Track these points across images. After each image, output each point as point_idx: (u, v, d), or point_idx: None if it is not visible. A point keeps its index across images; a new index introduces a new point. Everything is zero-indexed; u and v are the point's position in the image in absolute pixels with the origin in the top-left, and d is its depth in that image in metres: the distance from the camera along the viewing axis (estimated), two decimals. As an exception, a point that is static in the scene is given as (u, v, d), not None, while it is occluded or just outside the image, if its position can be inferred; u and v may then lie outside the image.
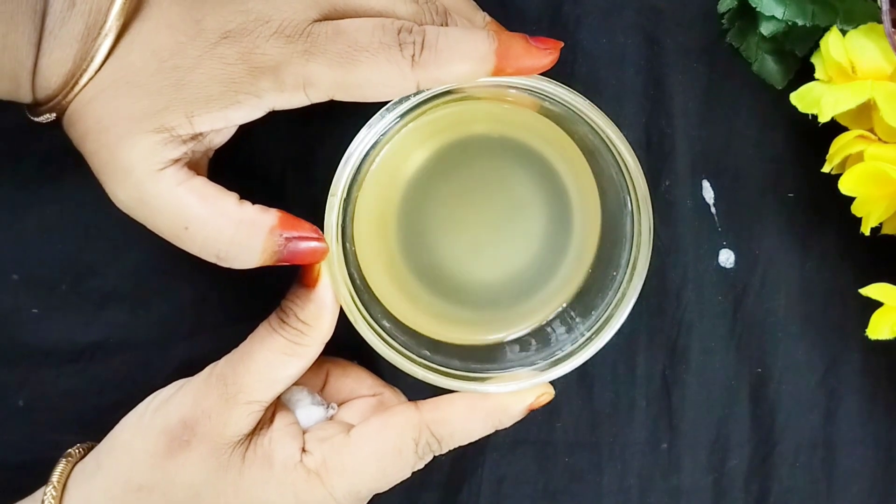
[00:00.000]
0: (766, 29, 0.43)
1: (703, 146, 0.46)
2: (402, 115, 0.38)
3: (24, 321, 0.44)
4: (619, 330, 0.40)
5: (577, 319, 0.41)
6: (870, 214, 0.41)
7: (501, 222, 0.42)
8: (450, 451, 0.41)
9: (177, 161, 0.36)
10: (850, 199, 0.41)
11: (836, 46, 0.40)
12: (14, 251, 0.44)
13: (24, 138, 0.43)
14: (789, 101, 0.41)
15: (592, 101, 0.39)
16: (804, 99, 0.41)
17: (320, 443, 0.39)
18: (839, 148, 0.41)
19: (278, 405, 0.41)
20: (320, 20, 0.37)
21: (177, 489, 0.38)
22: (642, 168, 0.39)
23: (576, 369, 0.40)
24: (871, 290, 0.41)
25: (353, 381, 0.43)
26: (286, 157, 0.45)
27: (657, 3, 0.45)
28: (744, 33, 0.45)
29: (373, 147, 0.39)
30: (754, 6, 0.42)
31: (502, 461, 0.46)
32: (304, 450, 0.39)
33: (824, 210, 0.45)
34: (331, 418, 0.42)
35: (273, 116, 0.38)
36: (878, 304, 0.41)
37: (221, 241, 0.37)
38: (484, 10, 0.41)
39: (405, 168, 0.41)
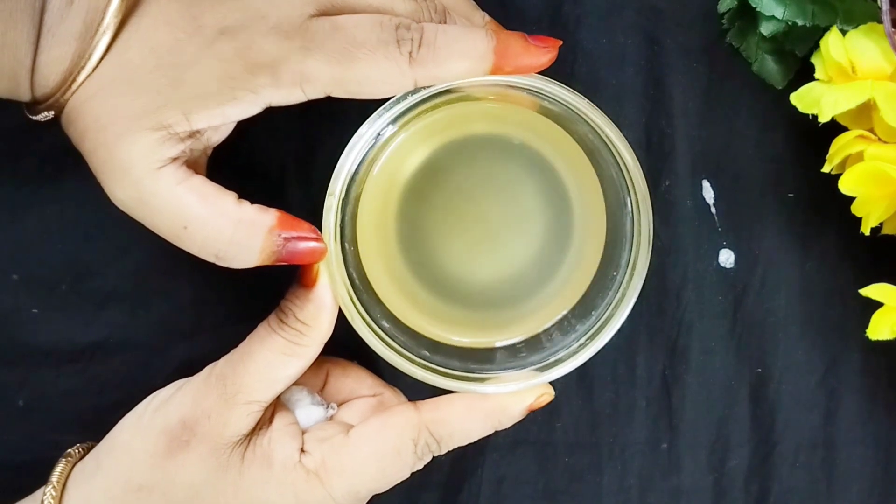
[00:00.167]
0: (766, 29, 0.43)
1: (703, 146, 0.46)
2: (401, 115, 0.38)
3: (24, 321, 0.44)
4: (619, 330, 0.40)
5: (577, 320, 0.41)
6: (870, 214, 0.41)
7: (501, 222, 0.42)
8: (449, 451, 0.41)
9: (175, 159, 0.36)
10: (850, 199, 0.41)
11: (836, 46, 0.40)
12: (14, 251, 0.44)
13: (24, 138, 0.43)
14: (789, 101, 0.41)
15: (592, 101, 0.39)
16: (804, 99, 0.41)
17: (319, 443, 0.39)
18: (839, 148, 0.41)
19: (278, 405, 0.41)
20: (318, 16, 0.37)
21: (176, 489, 0.38)
22: (642, 168, 0.39)
23: (576, 370, 0.40)
24: (871, 291, 0.41)
25: (353, 381, 0.43)
26: (285, 157, 0.45)
27: (657, 3, 0.45)
28: (744, 33, 0.45)
29: (371, 147, 0.39)
30: (754, 6, 0.42)
31: (502, 461, 0.46)
32: (303, 450, 0.39)
33: (824, 210, 0.45)
34: (331, 418, 0.42)
35: (272, 116, 0.38)
36: (878, 305, 0.41)
37: (220, 240, 0.37)
38: (483, 10, 0.41)
39: (404, 168, 0.41)
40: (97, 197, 0.44)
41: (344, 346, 0.40)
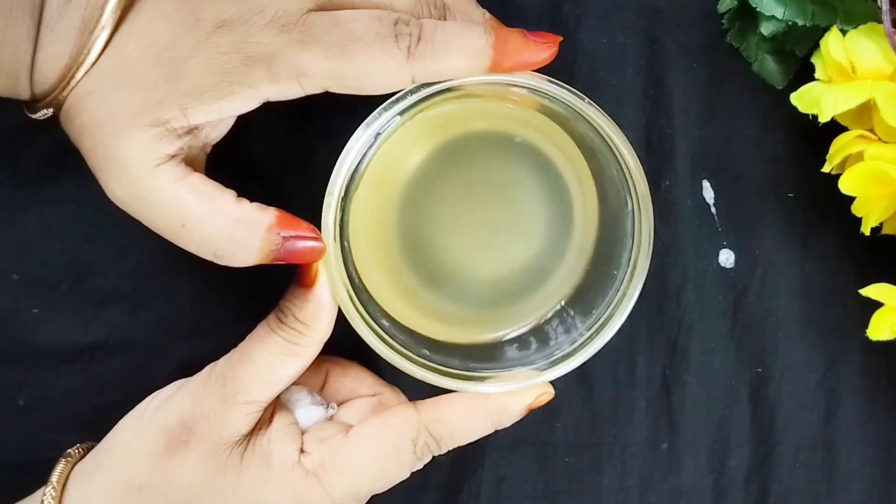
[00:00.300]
0: (766, 29, 0.43)
1: (703, 146, 0.46)
2: (401, 113, 0.38)
3: (25, 321, 0.44)
4: (619, 330, 0.40)
5: (577, 319, 0.41)
6: (870, 214, 0.41)
7: (501, 220, 0.42)
8: (449, 451, 0.41)
9: (173, 157, 0.36)
10: (850, 199, 0.41)
11: (836, 46, 0.40)
12: (14, 251, 0.44)
13: (24, 138, 0.43)
14: (789, 101, 0.41)
15: (592, 101, 0.39)
16: (804, 99, 0.41)
17: (319, 443, 0.39)
18: (839, 148, 0.41)
19: (277, 405, 0.41)
20: (316, 10, 0.37)
21: (175, 489, 0.38)
22: (642, 168, 0.39)
23: (576, 369, 0.40)
24: (871, 291, 0.41)
25: (353, 380, 0.43)
26: (284, 156, 0.45)
27: (657, 3, 0.45)
28: (744, 33, 0.45)
29: (371, 146, 0.39)
30: (754, 6, 0.42)
31: (502, 461, 0.46)
32: (302, 450, 0.39)
33: (824, 210, 0.45)
34: (330, 418, 0.42)
35: (270, 115, 0.38)
36: (878, 305, 0.41)
37: (219, 238, 0.37)
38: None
39: (404, 166, 0.41)
40: (97, 197, 0.44)
41: (343, 345, 0.40)
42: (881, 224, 0.42)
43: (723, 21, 0.45)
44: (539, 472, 0.46)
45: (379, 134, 0.38)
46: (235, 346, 0.40)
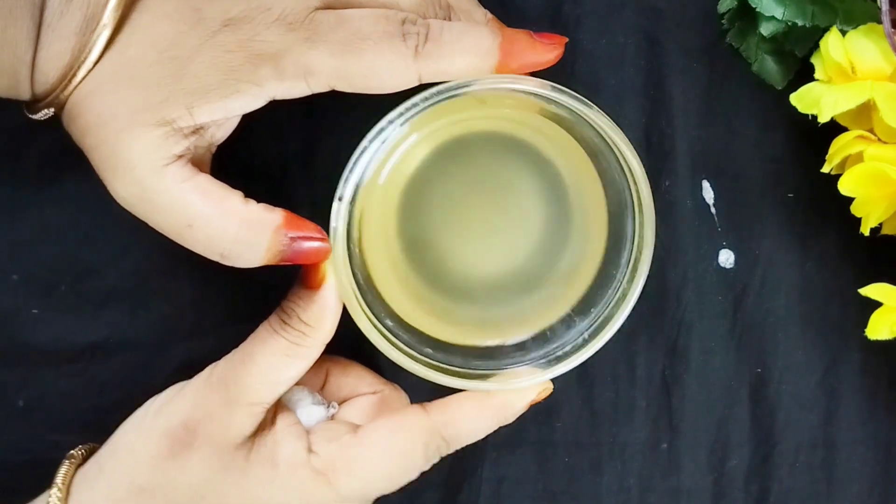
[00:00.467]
0: (765, 29, 0.43)
1: (703, 146, 0.46)
2: (409, 118, 0.38)
3: (24, 321, 0.44)
4: (619, 330, 0.40)
5: (577, 318, 0.42)
6: (869, 215, 0.41)
7: (503, 221, 0.42)
8: (450, 450, 0.41)
9: (180, 157, 0.36)
10: (850, 200, 0.41)
11: (835, 47, 0.40)
12: (13, 252, 0.44)
13: (24, 138, 0.43)
14: (789, 102, 0.41)
15: (592, 102, 0.39)
16: (804, 99, 0.41)
17: (327, 443, 0.39)
18: (839, 148, 0.41)
19: (279, 406, 0.40)
20: (323, 8, 0.37)
21: (179, 491, 0.38)
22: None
23: (576, 369, 0.40)
24: (871, 291, 0.41)
25: (354, 379, 0.43)
26: (288, 156, 0.45)
27: (657, 3, 0.45)
28: (744, 33, 0.45)
29: (378, 150, 0.39)
30: (754, 6, 0.42)
31: (502, 461, 0.46)
32: (310, 450, 0.39)
33: (824, 210, 0.45)
34: (332, 417, 0.42)
35: (275, 115, 0.38)
36: (877, 304, 0.41)
37: (225, 239, 0.37)
38: (484, 10, 0.41)
39: (407, 168, 0.41)
40: (97, 197, 0.44)
41: (343, 344, 0.40)
42: (881, 224, 0.42)
43: (723, 21, 0.45)
44: (539, 472, 0.46)
45: (386, 139, 0.38)
46: (236, 345, 0.40)
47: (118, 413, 0.41)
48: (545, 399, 0.41)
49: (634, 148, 0.39)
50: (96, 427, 0.43)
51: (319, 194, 0.39)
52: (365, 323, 0.39)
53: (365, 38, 0.36)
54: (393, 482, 0.40)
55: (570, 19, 0.45)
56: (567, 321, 0.42)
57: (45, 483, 0.39)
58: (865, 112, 0.41)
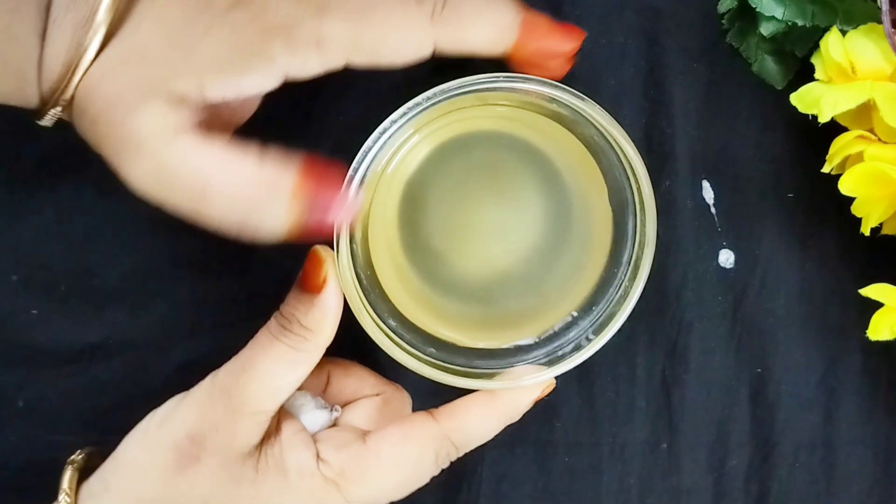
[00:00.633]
0: (765, 29, 0.42)
1: (703, 146, 0.46)
2: (411, 119, 0.38)
3: (24, 322, 0.44)
4: (620, 330, 0.40)
5: (580, 316, 0.42)
6: (870, 215, 0.41)
7: (504, 220, 0.42)
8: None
9: (193, 128, 0.35)
10: (850, 200, 0.41)
11: (835, 47, 0.40)
12: (13, 252, 0.44)
13: (23, 139, 0.43)
14: (789, 102, 0.41)
15: (594, 102, 0.39)
16: (804, 99, 0.41)
17: (337, 451, 0.39)
18: (839, 148, 0.41)
19: (283, 412, 0.40)
20: None
21: None
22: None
23: (576, 369, 0.40)
24: (871, 291, 0.41)
25: (356, 380, 0.43)
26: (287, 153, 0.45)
27: (657, 3, 0.45)
28: (744, 34, 0.45)
29: (380, 150, 0.39)
30: (754, 6, 0.42)
31: (502, 461, 0.46)
32: (319, 458, 0.39)
33: (824, 210, 0.45)
34: (335, 421, 0.41)
35: (277, 116, 0.37)
36: (878, 305, 0.41)
37: (241, 207, 0.35)
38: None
39: (409, 167, 0.41)
40: (97, 198, 0.44)
41: (343, 345, 0.40)
42: (881, 224, 0.42)
43: (723, 21, 0.45)
44: (539, 472, 0.46)
45: (390, 139, 0.38)
46: (236, 346, 0.39)
47: (118, 413, 0.41)
48: (545, 398, 0.41)
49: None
50: (96, 427, 0.43)
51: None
52: (368, 322, 0.39)
53: (378, 3, 0.35)
54: (403, 490, 0.39)
55: (569, 19, 0.45)
56: (569, 320, 0.42)
57: (45, 484, 0.39)
58: (865, 112, 0.41)
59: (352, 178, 0.37)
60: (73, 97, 0.36)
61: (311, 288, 0.38)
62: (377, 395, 0.42)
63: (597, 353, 0.40)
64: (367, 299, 0.39)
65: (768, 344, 0.46)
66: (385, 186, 0.41)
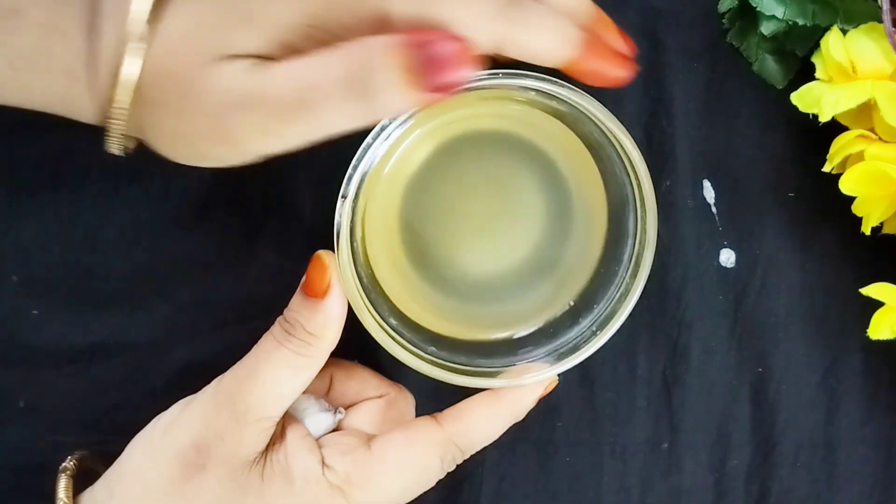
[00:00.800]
0: (766, 29, 0.43)
1: (704, 146, 0.46)
2: (411, 117, 0.38)
3: (24, 322, 0.44)
4: (620, 329, 0.40)
5: (581, 314, 0.42)
6: (870, 214, 0.41)
7: (504, 218, 0.42)
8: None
9: (269, 60, 0.34)
10: (851, 199, 0.41)
11: (836, 46, 0.40)
12: (13, 252, 0.44)
13: (24, 139, 0.43)
14: (790, 101, 0.41)
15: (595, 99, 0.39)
16: (805, 98, 0.41)
17: (342, 457, 0.39)
18: (840, 147, 0.41)
19: (287, 416, 0.40)
20: None
21: None
22: (645, 167, 0.39)
23: (577, 369, 0.40)
24: (872, 290, 0.41)
25: (358, 382, 0.42)
26: (290, 155, 0.45)
27: (657, 3, 0.45)
28: (744, 33, 0.45)
29: (381, 147, 0.39)
30: (755, 6, 0.42)
31: (503, 460, 0.46)
32: (324, 464, 0.39)
33: (825, 210, 0.45)
34: (339, 423, 0.41)
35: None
36: (878, 304, 0.41)
37: (350, 93, 0.33)
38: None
39: (409, 165, 0.41)
40: (97, 197, 0.44)
41: (344, 345, 0.40)
42: (881, 224, 0.42)
43: (723, 21, 0.45)
44: (539, 471, 0.46)
45: (390, 136, 0.38)
46: (235, 347, 0.39)
47: (118, 413, 0.41)
48: (547, 397, 0.41)
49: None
50: (96, 428, 0.43)
51: (322, 192, 0.39)
52: (370, 321, 0.39)
53: None
54: (408, 495, 0.39)
55: (570, 19, 0.45)
56: (570, 318, 0.42)
57: (46, 484, 0.39)
58: (866, 111, 0.41)
59: (351, 175, 0.38)
60: (137, 89, 0.34)
61: (315, 293, 0.38)
62: (380, 396, 0.42)
63: (598, 352, 0.40)
64: (367, 298, 0.39)
65: (769, 343, 0.46)
66: (385, 184, 0.41)
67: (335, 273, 0.38)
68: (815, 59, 0.42)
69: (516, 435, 0.44)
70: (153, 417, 0.39)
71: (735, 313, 0.46)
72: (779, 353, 0.46)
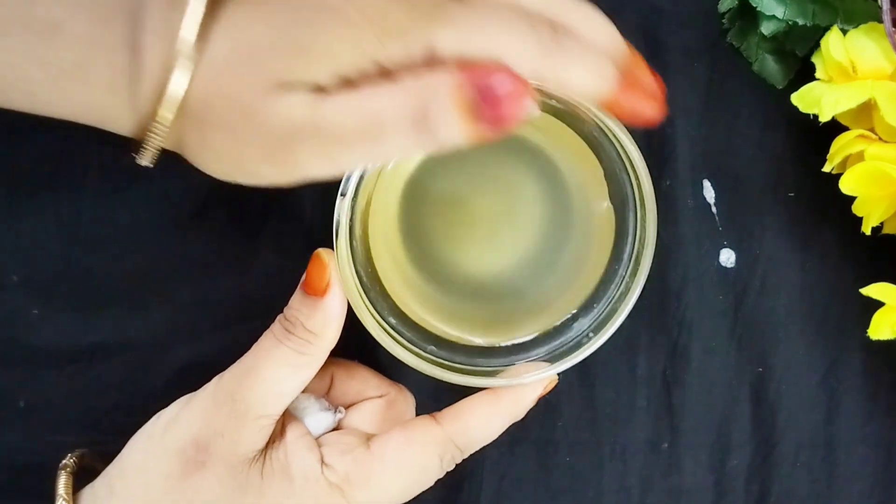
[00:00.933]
0: (766, 28, 0.43)
1: (704, 146, 0.46)
2: None
3: (25, 322, 0.44)
4: (620, 329, 0.40)
5: (581, 313, 0.42)
6: (870, 214, 0.41)
7: (504, 218, 0.42)
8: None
9: (327, 94, 0.33)
10: (851, 199, 0.41)
11: (836, 46, 0.40)
12: (14, 252, 0.44)
13: (24, 139, 0.43)
14: (790, 101, 0.41)
15: None
16: (805, 98, 0.41)
17: (341, 455, 0.39)
18: (840, 147, 0.41)
19: (287, 415, 0.40)
20: None
21: None
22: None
23: (577, 369, 0.40)
24: (872, 290, 0.41)
25: (359, 382, 0.42)
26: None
27: (657, 3, 0.45)
28: (744, 33, 0.45)
29: None
30: (755, 6, 0.42)
31: (503, 460, 0.46)
32: (323, 463, 0.39)
33: (825, 210, 0.45)
34: (339, 423, 0.41)
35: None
36: (878, 304, 0.41)
37: (407, 120, 0.33)
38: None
39: (409, 164, 0.41)
40: (97, 198, 0.44)
41: (343, 344, 0.40)
42: (882, 224, 0.42)
43: (723, 21, 0.45)
44: (539, 471, 0.46)
45: None
46: (235, 347, 0.39)
47: (118, 413, 0.41)
48: (546, 396, 0.41)
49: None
50: (96, 428, 0.43)
51: (322, 191, 0.39)
52: (369, 320, 0.39)
53: (492, 18, 0.33)
54: (408, 494, 0.39)
55: (570, 19, 0.45)
56: (570, 317, 0.42)
57: (46, 484, 0.39)
58: (866, 111, 0.41)
59: (350, 173, 0.38)
60: (182, 106, 0.33)
61: (315, 291, 0.38)
62: (381, 396, 0.42)
63: (597, 352, 0.40)
64: (367, 296, 0.39)
65: (769, 343, 0.46)
66: (385, 184, 0.41)
67: (335, 271, 0.38)
68: (815, 59, 0.42)
69: (517, 434, 0.44)
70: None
71: (735, 313, 0.46)
72: (779, 353, 0.46)
